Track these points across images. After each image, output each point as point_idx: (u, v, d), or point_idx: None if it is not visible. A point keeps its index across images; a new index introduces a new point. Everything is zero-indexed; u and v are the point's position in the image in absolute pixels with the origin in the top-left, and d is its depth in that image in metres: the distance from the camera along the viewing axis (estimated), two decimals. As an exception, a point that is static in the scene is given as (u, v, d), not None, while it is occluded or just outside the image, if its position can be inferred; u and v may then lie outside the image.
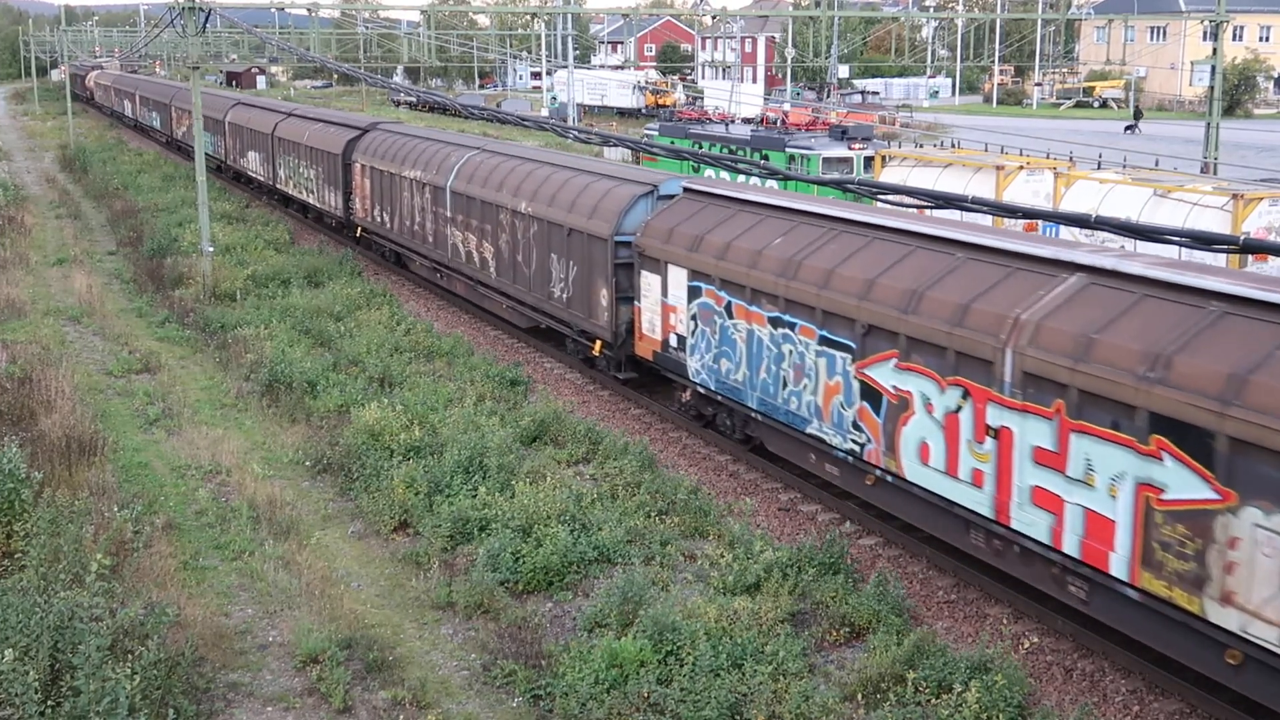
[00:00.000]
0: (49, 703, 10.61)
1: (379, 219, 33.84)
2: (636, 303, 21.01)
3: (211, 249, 31.89)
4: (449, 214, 28.56)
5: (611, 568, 15.32)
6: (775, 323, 17.07)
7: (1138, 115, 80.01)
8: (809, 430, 16.66)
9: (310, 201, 40.49)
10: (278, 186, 44.63)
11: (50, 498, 14.86)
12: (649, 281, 20.47)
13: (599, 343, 22.39)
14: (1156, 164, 34.60)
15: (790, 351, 16.82)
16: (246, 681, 12.85)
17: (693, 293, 19.08)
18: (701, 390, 19.31)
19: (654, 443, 20.31)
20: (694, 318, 19.11)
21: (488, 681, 12.98)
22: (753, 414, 18.01)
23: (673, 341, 19.86)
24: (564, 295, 23.43)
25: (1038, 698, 12.54)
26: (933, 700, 11.91)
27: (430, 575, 15.25)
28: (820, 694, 12.23)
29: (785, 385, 17.03)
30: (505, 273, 25.95)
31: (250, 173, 48.89)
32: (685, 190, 21.10)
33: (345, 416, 20.80)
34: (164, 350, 26.50)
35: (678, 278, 19.49)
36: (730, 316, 18.16)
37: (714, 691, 11.88)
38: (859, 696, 12.27)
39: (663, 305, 20.06)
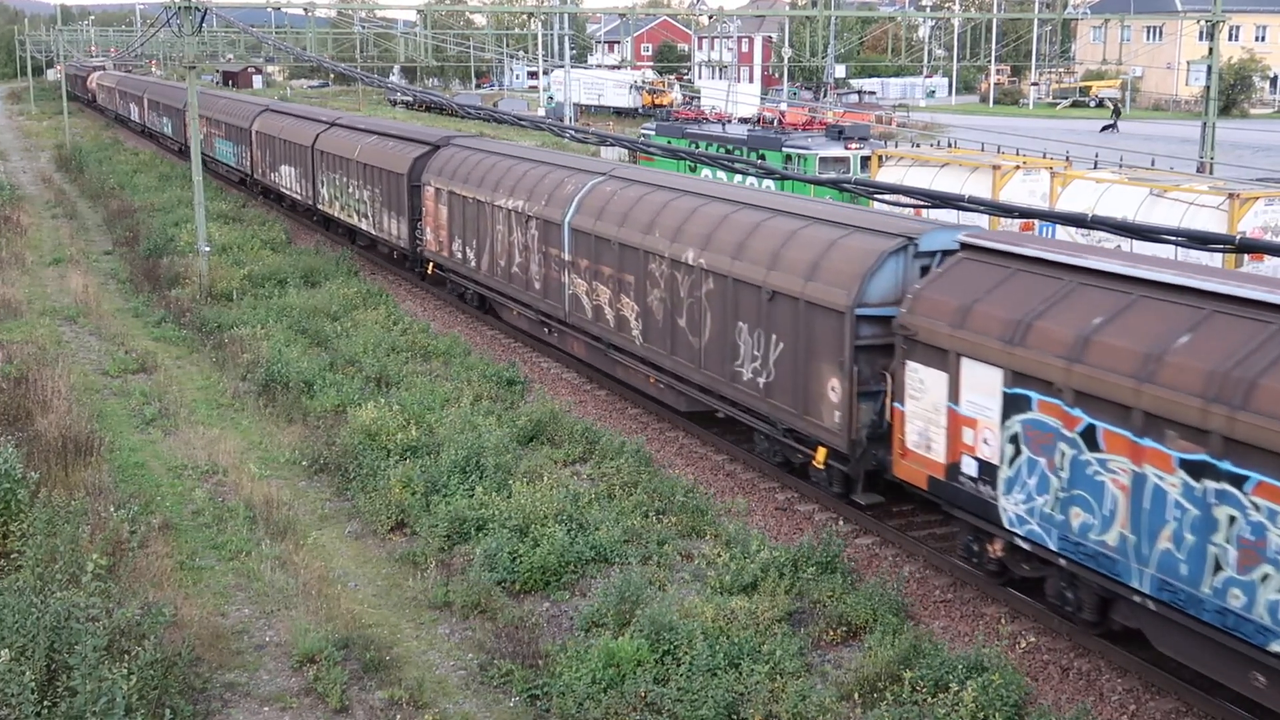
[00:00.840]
0: (45, 703, 10.60)
1: (459, 255, 28.08)
2: (896, 405, 15.36)
3: (208, 248, 31.86)
4: (567, 257, 22.93)
5: (609, 567, 15.32)
6: (1196, 470, 11.40)
7: (1116, 114, 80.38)
8: (1274, 648, 10.86)
9: (362, 227, 35.30)
10: (319, 207, 39.39)
11: (47, 498, 14.85)
12: (923, 378, 14.83)
13: (822, 450, 16.67)
14: (1153, 164, 34.64)
15: (1232, 519, 11.13)
16: (243, 681, 12.85)
17: (1012, 404, 13.44)
18: (1027, 546, 13.63)
19: (650, 442, 20.31)
20: (1013, 439, 13.49)
21: (485, 681, 12.98)
22: (1137, 597, 12.29)
23: (968, 468, 14.23)
24: (760, 379, 17.70)
25: (1034, 697, 12.55)
26: (929, 699, 11.92)
27: (427, 575, 15.25)
28: (817, 693, 12.23)
29: (1217, 568, 11.33)
30: (657, 339, 20.23)
31: (283, 189, 43.48)
32: (964, 246, 15.28)
33: (342, 416, 20.79)
34: (160, 350, 26.47)
35: (982, 379, 13.86)
36: (1094, 447, 12.51)
37: (711, 691, 11.89)
38: (856, 696, 12.28)
39: (950, 414, 14.43)
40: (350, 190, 35.65)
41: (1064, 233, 25.98)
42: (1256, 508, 10.83)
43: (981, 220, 26.79)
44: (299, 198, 41.54)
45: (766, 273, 17.46)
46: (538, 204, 23.97)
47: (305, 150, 39.81)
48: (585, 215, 22.36)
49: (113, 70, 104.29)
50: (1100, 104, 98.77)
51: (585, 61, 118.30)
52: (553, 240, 23.44)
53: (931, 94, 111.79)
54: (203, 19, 32.96)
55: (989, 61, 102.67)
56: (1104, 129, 75.77)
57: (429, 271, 30.75)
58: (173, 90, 68.78)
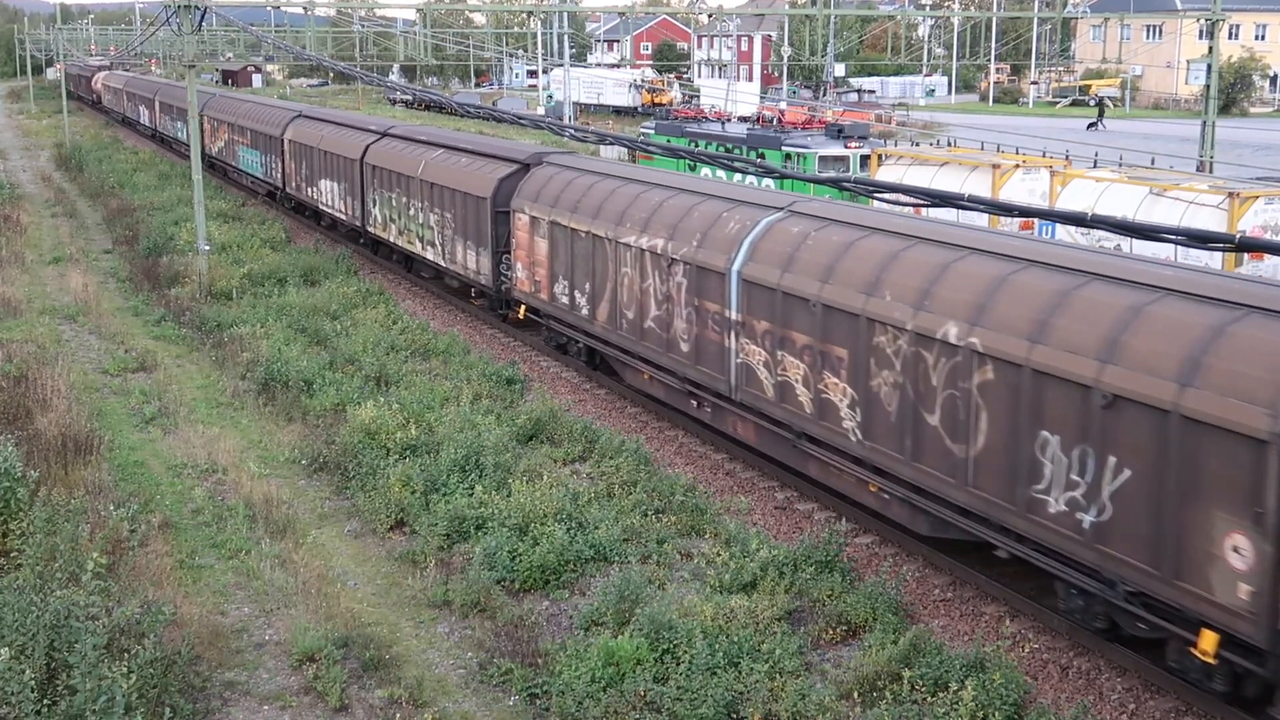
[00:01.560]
0: (45, 701, 10.60)
1: (565, 299, 23.19)
2: None
3: (208, 247, 31.85)
4: (733, 315, 18.01)
5: (608, 566, 15.32)
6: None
7: (1101, 113, 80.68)
8: None
9: (428, 258, 30.40)
10: (370, 230, 34.62)
11: (46, 496, 14.84)
12: None
13: (1211, 636, 11.56)
14: (1153, 163, 34.63)
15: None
16: (243, 680, 12.85)
17: None
18: None
19: (650, 441, 20.31)
20: None
21: (484, 680, 12.98)
22: None
23: None
24: (1084, 516, 12.58)
25: (1034, 696, 12.56)
26: (929, 698, 11.92)
27: (427, 574, 15.25)
28: (816, 692, 12.24)
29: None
30: (886, 437, 15.31)
31: (323, 207, 38.82)
32: None
33: (341, 415, 20.79)
34: (160, 349, 26.47)
35: None
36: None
37: (710, 690, 11.89)
38: (855, 695, 12.29)
39: None
40: (412, 213, 30.89)
41: (1063, 232, 25.98)
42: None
43: (981, 219, 26.78)
44: (343, 217, 36.90)
45: (1100, 367, 12.25)
46: (686, 244, 19.14)
47: (352, 164, 35.20)
48: (763, 264, 17.33)
49: (120, 70, 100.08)
50: (1100, 103, 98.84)
51: (584, 60, 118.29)
52: (710, 292, 18.49)
53: (931, 93, 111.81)
54: (202, 18, 32.96)
55: (988, 60, 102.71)
56: (1090, 126, 75.98)
57: (519, 315, 25.77)
58: (185, 93, 64.75)
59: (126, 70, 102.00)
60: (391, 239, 32.96)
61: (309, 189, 39.95)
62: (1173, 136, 59.46)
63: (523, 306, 25.44)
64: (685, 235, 19.27)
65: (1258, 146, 60.51)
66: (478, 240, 27.07)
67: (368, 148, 34.39)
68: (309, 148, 39.48)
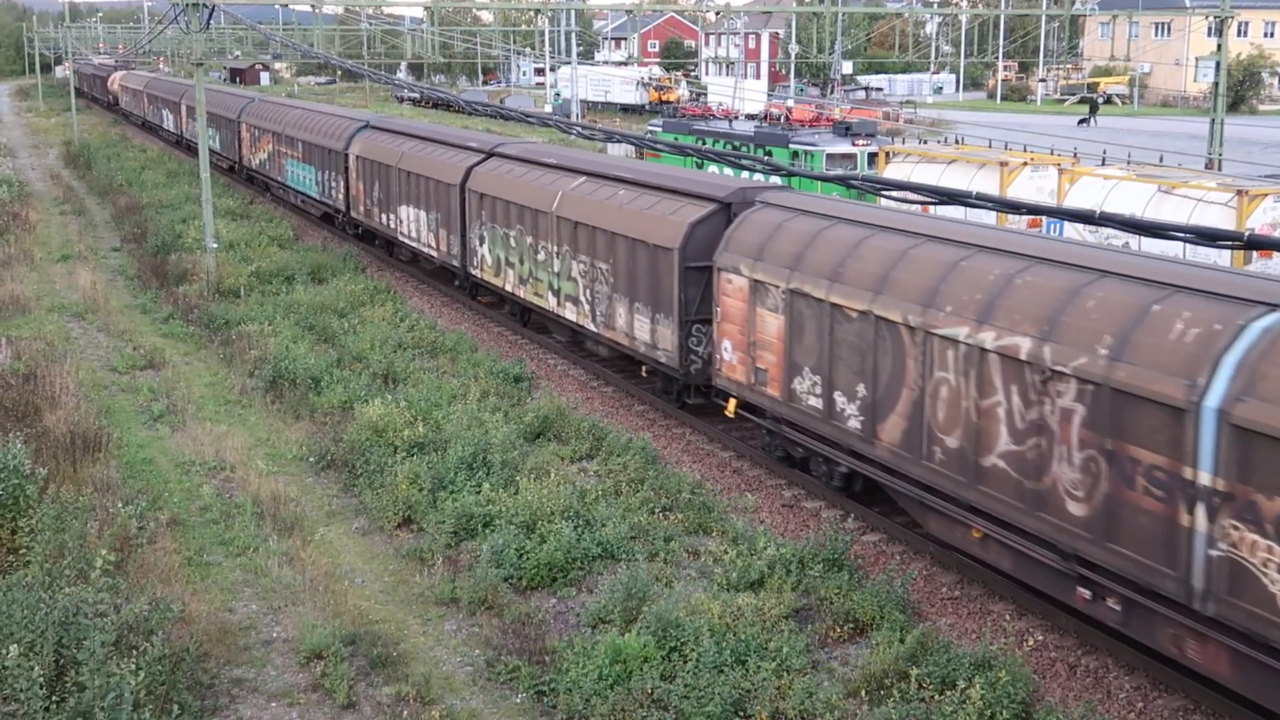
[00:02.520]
0: (54, 698, 10.62)
1: (816, 401, 16.85)
2: None
3: (215, 245, 31.89)
4: (1203, 478, 11.26)
5: (615, 564, 15.32)
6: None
7: (1093, 109, 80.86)
8: None
9: (568, 318, 23.80)
10: (476, 273, 28.12)
11: (55, 494, 14.86)
12: None
13: None
14: (1161, 160, 34.56)
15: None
16: (250, 677, 12.87)
17: None
18: None
19: (657, 439, 20.31)
20: None
21: (491, 677, 12.98)
22: None
23: None
24: None
25: (1041, 694, 12.54)
26: (936, 697, 11.90)
27: (434, 571, 15.26)
28: (824, 690, 12.23)
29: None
30: None
31: (403, 238, 32.53)
32: None
33: (349, 413, 20.81)
34: (168, 346, 26.51)
35: None
36: None
37: (717, 688, 11.88)
38: (862, 693, 12.27)
39: None
40: (542, 258, 24.61)
41: (1071, 230, 25.94)
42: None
43: (989, 217, 26.74)
44: (431, 253, 30.77)
45: None
46: (1081, 350, 12.41)
47: (448, 190, 29.03)
48: (1273, 401, 10.66)
49: (140, 71, 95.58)
50: (1109, 100, 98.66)
51: (592, 58, 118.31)
52: (1144, 433, 11.77)
53: (938, 90, 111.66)
54: (210, 16, 33.00)
55: (996, 58, 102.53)
56: (1081, 122, 76.13)
57: (731, 411, 19.29)
58: (223, 97, 56.16)
59: (150, 70, 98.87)
60: (507, 287, 26.48)
61: (383, 215, 33.85)
62: (1181, 134, 59.34)
63: (732, 400, 19.06)
64: (1077, 334, 12.55)
65: (1266, 144, 60.36)
66: (653, 303, 20.71)
67: (471, 170, 28.21)
68: (383, 166, 33.36)
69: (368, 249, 36.43)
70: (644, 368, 21.98)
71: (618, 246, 21.69)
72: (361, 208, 35.71)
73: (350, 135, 36.60)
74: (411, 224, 31.77)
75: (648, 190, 21.90)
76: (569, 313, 23.86)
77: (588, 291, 23.03)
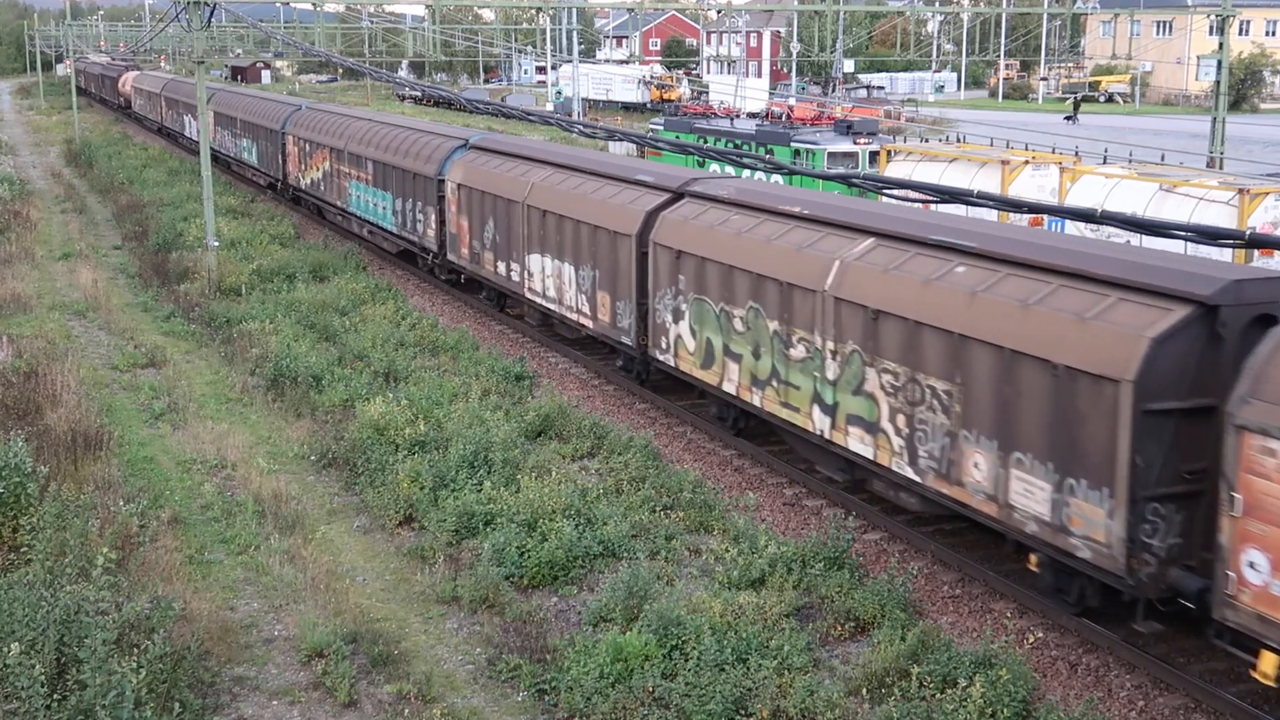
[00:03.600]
0: (55, 696, 10.63)
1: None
2: None
3: (217, 244, 31.90)
4: None
5: (616, 562, 15.32)
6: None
7: (1076, 107, 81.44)
8: None
9: (857, 450, 16.25)
10: (664, 358, 20.80)
11: (56, 492, 14.88)
12: None
13: None
14: (1163, 159, 34.55)
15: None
16: (252, 675, 12.88)
17: None
18: None
19: (658, 437, 20.30)
20: None
21: (493, 676, 12.99)
22: None
23: None
24: None
25: (1042, 693, 12.54)
26: (937, 695, 11.91)
27: (435, 570, 15.27)
28: (825, 688, 12.23)
29: None
30: None
31: (533, 296, 25.40)
32: None
33: (350, 411, 20.81)
34: (169, 345, 26.52)
35: None
36: None
37: (718, 686, 11.88)
38: (864, 691, 12.28)
39: None
40: (800, 356, 17.20)
41: (1073, 228, 25.93)
42: None
43: (991, 216, 26.73)
44: (586, 322, 23.19)
45: None
46: None
47: (615, 240, 21.64)
48: None
49: (156, 72, 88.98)
50: (1110, 99, 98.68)
51: (593, 56, 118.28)
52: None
53: (940, 89, 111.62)
54: (211, 14, 32.99)
55: (998, 56, 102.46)
56: (1067, 119, 76.65)
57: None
58: (260, 104, 49.37)
59: (168, 71, 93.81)
60: (726, 387, 19.01)
61: (500, 264, 26.69)
62: (1182, 132, 59.31)
63: None
64: None
65: (1268, 143, 60.31)
66: (1072, 461, 12.95)
67: (655, 216, 20.71)
68: (501, 201, 26.19)
69: (466, 299, 30.14)
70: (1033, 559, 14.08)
71: (974, 358, 14.15)
72: (465, 250, 28.47)
73: (445, 157, 29.67)
74: (549, 280, 24.51)
75: (992, 263, 14.61)
76: (862, 446, 16.15)
77: (901, 424, 15.39)
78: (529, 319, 26.93)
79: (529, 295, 25.55)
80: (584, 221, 22.77)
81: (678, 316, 20.17)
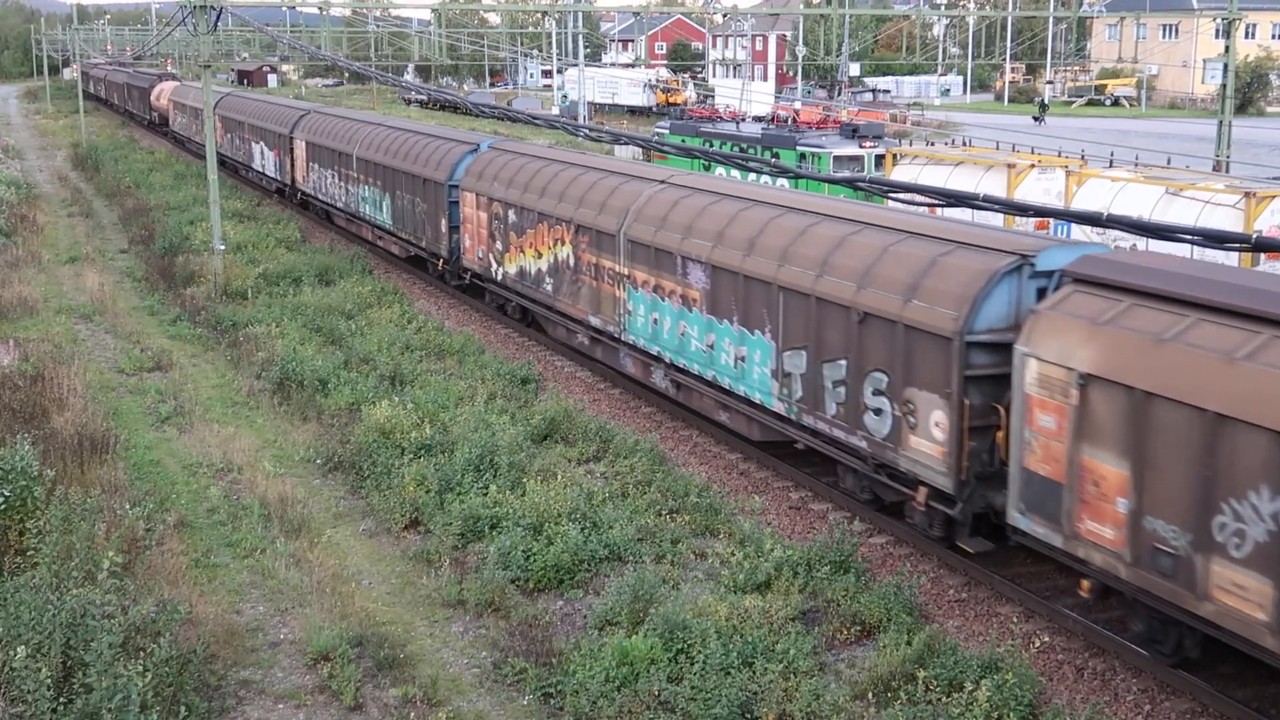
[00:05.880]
0: (61, 699, 10.64)
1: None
2: None
3: (223, 247, 31.95)
4: None
5: (622, 566, 15.32)
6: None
7: (1043, 108, 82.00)
8: None
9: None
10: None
11: (62, 495, 14.87)
12: None
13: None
14: (1169, 162, 34.50)
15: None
16: (258, 679, 12.88)
17: None
18: None
19: (664, 441, 20.30)
20: None
21: (498, 679, 12.99)
22: None
23: None
24: None
25: (1048, 696, 12.52)
26: (943, 699, 11.89)
27: (441, 573, 15.27)
28: (831, 692, 12.22)
29: None
30: None
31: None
32: None
33: (356, 414, 20.83)
34: (175, 348, 26.55)
35: None
36: None
37: (724, 689, 11.88)
38: (869, 695, 12.27)
39: None
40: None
41: (1079, 232, 25.89)
42: None
43: (997, 219, 26.70)
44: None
45: None
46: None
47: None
48: None
49: (190, 82, 75.79)
50: (1116, 102, 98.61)
51: (599, 60, 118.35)
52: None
53: (946, 92, 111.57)
54: (218, 18, 33.03)
55: (1004, 60, 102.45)
56: (1035, 119, 77.29)
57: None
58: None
59: (232, 88, 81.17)
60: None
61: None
62: (1188, 136, 59.24)
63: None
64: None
65: (1274, 146, 60.26)
66: None
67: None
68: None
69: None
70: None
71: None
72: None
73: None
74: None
75: None
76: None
77: None
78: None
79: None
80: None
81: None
